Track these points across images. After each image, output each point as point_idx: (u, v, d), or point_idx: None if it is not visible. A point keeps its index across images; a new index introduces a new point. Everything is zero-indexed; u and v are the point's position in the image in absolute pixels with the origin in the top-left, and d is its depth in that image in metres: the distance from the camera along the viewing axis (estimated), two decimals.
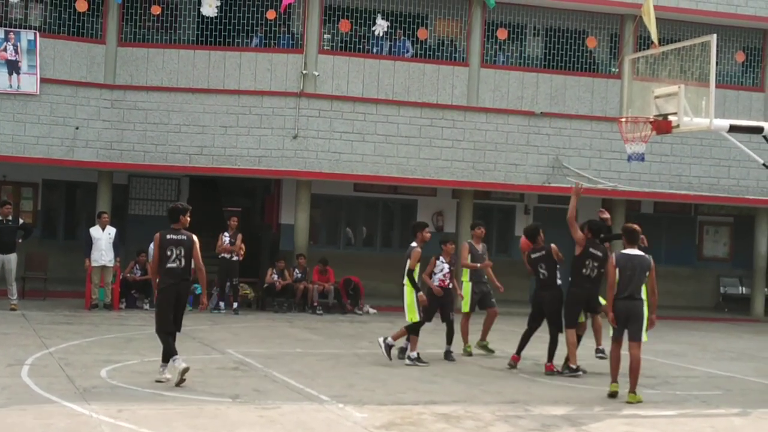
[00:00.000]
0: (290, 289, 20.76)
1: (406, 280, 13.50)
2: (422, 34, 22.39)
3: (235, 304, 19.90)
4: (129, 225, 23.76)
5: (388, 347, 13.70)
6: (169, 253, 11.10)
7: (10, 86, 20.33)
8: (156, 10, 21.32)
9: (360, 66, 21.91)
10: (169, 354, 11.02)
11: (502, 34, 22.70)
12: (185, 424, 8.91)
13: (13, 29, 20.50)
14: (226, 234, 20.23)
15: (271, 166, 21.42)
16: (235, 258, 20.07)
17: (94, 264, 18.96)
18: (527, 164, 22.69)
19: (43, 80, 20.64)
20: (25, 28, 20.77)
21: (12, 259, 18.13)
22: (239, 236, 20.22)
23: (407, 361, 13.49)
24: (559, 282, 13.47)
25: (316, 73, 21.52)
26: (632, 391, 11.28)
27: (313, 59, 21.56)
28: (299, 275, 20.99)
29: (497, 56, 23.12)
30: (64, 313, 18.01)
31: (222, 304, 19.94)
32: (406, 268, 13.49)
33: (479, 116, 22.48)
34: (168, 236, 11.18)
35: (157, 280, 11.28)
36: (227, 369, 12.37)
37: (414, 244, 13.63)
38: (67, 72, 20.95)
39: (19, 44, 20.36)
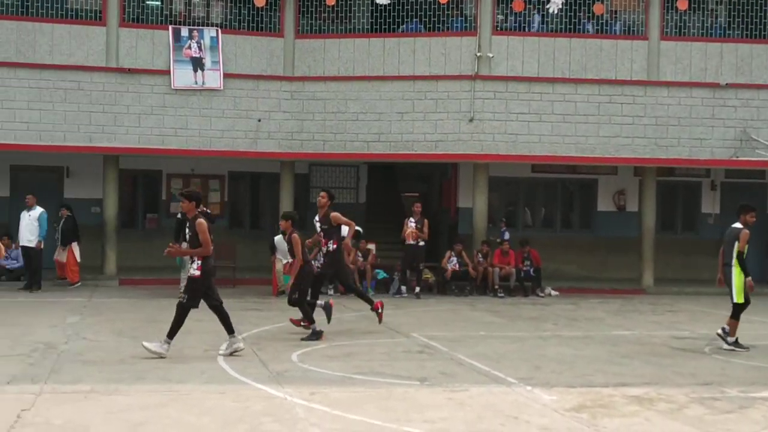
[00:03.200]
0: (469, 273, 20.78)
1: (735, 262, 13.06)
2: (598, 9, 21.84)
3: (417, 289, 20.06)
4: (311, 213, 24.27)
5: (735, 343, 13.13)
6: (212, 236, 11.90)
7: (196, 82, 21.10)
8: (331, 1, 21.65)
9: (535, 45, 21.61)
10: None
11: (682, 4, 21.88)
12: (376, 407, 9.03)
13: (196, 27, 21.27)
14: (411, 220, 20.42)
15: (447, 150, 21.42)
16: (421, 243, 20.22)
17: (279, 255, 19.59)
18: (713, 138, 21.83)
19: (226, 75, 21.32)
20: (207, 25, 21.52)
21: None
22: (425, 222, 20.35)
23: (726, 346, 13.00)
24: None
25: (491, 55, 21.36)
26: None
27: (487, 41, 21.41)
28: (480, 258, 20.97)
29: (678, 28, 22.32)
30: (253, 300, 18.59)
31: (404, 288, 20.14)
32: (735, 250, 13.04)
33: (660, 90, 21.77)
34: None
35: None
36: (413, 352, 12.46)
37: (739, 225, 13.21)
38: (248, 66, 21.57)
39: (202, 41, 21.12)
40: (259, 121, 21.46)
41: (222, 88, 21.28)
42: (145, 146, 21.08)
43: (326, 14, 22.12)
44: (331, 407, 8.93)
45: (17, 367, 10.70)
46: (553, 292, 21.12)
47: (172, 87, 21.02)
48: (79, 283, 20.16)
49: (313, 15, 22.10)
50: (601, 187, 24.49)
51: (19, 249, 20.13)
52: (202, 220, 11.80)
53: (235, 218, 25.13)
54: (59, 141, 20.64)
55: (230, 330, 12.00)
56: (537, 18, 21.91)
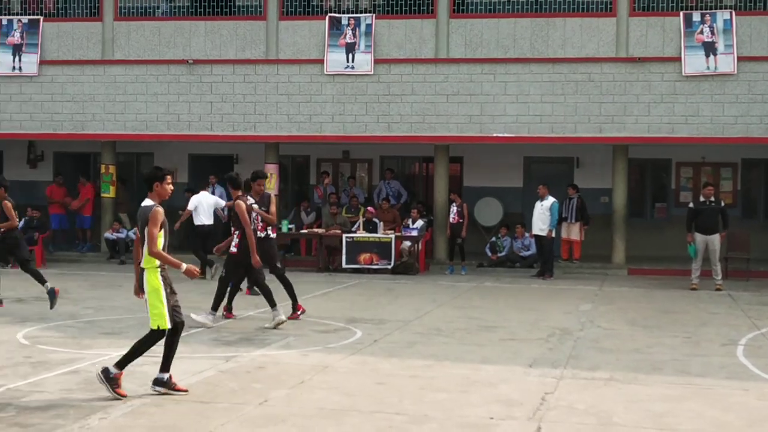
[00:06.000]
0: None
1: None
2: None
3: None
4: None
5: None
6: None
7: (708, 68, 20.44)
8: None
9: None
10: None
11: None
12: None
13: (708, 11, 20.58)
14: None
15: None
16: None
17: None
18: None
19: (739, 59, 20.38)
20: (720, 8, 20.72)
21: (715, 239, 18.22)
22: None
23: None
24: None
25: None
26: None
27: None
28: None
29: None
30: None
31: None
32: None
33: None
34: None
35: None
36: None
37: None
38: (764, 48, 20.43)
39: (714, 25, 20.40)
40: None
41: (735, 72, 20.39)
42: (654, 135, 20.88)
43: None
44: None
45: (537, 351, 11.13)
46: None
47: (683, 74, 20.57)
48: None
49: None
50: None
51: (533, 238, 20.98)
52: (240, 202, 12.59)
53: (749, 208, 23.97)
54: (570, 132, 21.14)
55: (272, 304, 12.46)
56: None
